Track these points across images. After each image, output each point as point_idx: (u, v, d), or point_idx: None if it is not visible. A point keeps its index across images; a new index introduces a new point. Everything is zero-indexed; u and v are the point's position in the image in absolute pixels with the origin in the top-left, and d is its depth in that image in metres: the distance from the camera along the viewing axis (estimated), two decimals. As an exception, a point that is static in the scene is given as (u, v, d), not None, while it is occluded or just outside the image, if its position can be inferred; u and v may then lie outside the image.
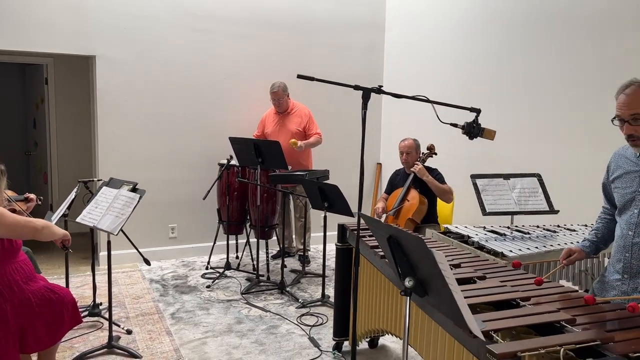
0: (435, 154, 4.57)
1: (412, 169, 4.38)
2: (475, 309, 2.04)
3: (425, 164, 4.48)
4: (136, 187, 3.30)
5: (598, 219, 2.47)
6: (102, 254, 5.15)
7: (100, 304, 3.94)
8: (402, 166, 4.59)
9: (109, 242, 3.35)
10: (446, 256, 2.63)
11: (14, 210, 3.06)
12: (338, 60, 6.02)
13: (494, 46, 4.74)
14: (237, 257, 5.30)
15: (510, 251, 2.81)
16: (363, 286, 3.08)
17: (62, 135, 6.39)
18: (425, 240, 2.79)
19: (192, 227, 5.47)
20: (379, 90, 2.37)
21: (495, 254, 2.82)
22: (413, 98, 2.39)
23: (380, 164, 6.34)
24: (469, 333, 1.53)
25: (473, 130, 2.38)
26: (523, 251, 2.83)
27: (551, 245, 2.94)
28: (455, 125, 2.42)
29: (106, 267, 5.03)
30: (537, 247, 2.89)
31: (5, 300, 2.67)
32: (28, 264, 2.90)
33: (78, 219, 3.36)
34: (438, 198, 4.44)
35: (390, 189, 4.67)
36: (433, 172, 4.43)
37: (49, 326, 2.84)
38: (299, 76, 2.41)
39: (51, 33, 4.78)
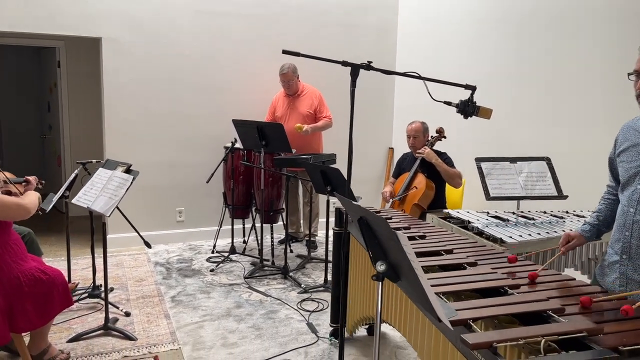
0: (445, 137, 4.41)
1: (419, 152, 4.25)
2: (459, 296, 1.93)
3: (434, 147, 4.34)
4: (130, 168, 3.26)
5: (601, 200, 2.30)
6: (110, 236, 5.15)
7: (100, 285, 3.93)
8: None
9: (104, 224, 3.32)
10: (439, 242, 2.52)
11: (9, 192, 3.04)
12: (350, 41, 5.87)
13: (509, 27, 4.54)
14: (244, 242, 5.26)
15: (510, 237, 2.68)
16: (357, 272, 2.99)
17: (75, 119, 6.42)
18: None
19: (200, 210, 5.44)
20: (367, 67, 2.27)
21: (494, 239, 2.70)
22: (404, 74, 2.27)
23: (393, 148, 6.20)
24: (438, 320, 1.43)
25: (467, 108, 2.25)
26: (524, 237, 2.69)
27: (555, 232, 2.79)
28: (449, 103, 2.29)
29: (113, 249, 5.08)
30: (539, 234, 2.75)
31: (-7, 279, 2.66)
32: (19, 244, 2.88)
33: (74, 200, 3.33)
34: (446, 183, 4.31)
35: (397, 173, 4.54)
36: (442, 156, 4.29)
37: (38, 307, 2.82)
38: (284, 51, 2.31)
39: (57, 14, 4.75)
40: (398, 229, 2.74)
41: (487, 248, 2.45)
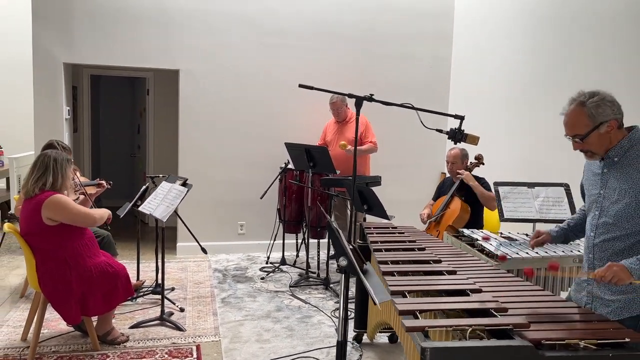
0: (483, 164, 4.62)
1: (459, 173, 4.49)
2: (427, 293, 2.24)
3: (472, 173, 4.56)
4: (186, 182, 3.81)
5: (576, 213, 2.53)
6: (179, 244, 5.80)
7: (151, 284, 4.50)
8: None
9: (163, 229, 3.87)
10: (435, 254, 2.80)
11: (84, 194, 3.70)
12: (404, 72, 6.23)
13: (561, 56, 4.66)
14: (297, 256, 5.69)
15: (506, 254, 2.90)
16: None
17: (159, 140, 7.24)
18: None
19: (259, 225, 5.95)
20: (369, 99, 2.64)
21: (492, 255, 2.94)
22: (401, 105, 2.62)
23: (445, 173, 6.42)
24: (373, 302, 1.76)
25: (456, 135, 2.56)
26: (520, 255, 2.91)
27: (554, 252, 2.98)
28: (440, 130, 2.61)
29: (181, 256, 5.71)
30: (537, 252, 2.95)
31: (71, 269, 3.27)
32: (93, 241, 3.49)
33: (140, 208, 3.94)
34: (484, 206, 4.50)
35: (437, 196, 4.81)
36: (480, 181, 4.50)
37: (105, 295, 3.40)
38: (301, 85, 2.74)
39: (145, 50, 5.55)
40: (403, 241, 3.06)
41: (475, 261, 2.72)
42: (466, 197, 4.48)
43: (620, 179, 2.12)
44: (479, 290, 2.18)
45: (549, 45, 4.77)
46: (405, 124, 6.20)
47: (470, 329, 1.78)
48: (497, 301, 2.02)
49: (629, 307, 2.10)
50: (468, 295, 2.14)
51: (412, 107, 2.60)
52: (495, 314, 1.91)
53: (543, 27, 4.85)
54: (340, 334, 2.00)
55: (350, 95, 2.66)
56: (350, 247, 2.07)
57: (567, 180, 3.89)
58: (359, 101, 2.64)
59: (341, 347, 2.00)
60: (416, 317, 1.92)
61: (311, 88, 2.73)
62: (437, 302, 2.03)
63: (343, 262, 1.94)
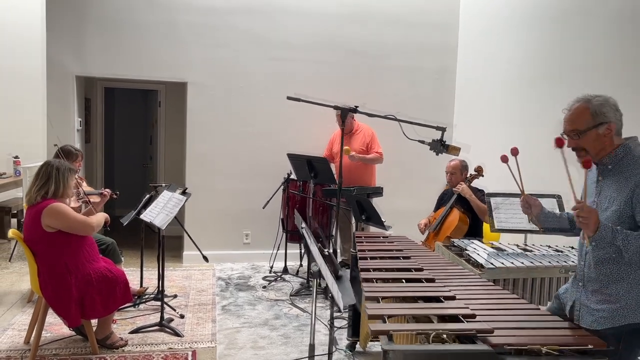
0: (483, 175, 4.65)
1: (456, 189, 4.55)
2: (404, 299, 2.29)
3: (472, 184, 4.60)
4: (185, 190, 3.92)
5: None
6: (186, 252, 5.91)
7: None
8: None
9: (163, 237, 3.98)
10: (418, 262, 2.85)
11: (87, 202, 3.83)
12: (410, 83, 6.30)
13: (566, 67, 4.68)
14: (300, 265, 5.76)
15: (491, 264, 2.94)
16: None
17: (170, 151, 7.39)
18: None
19: (265, 234, 6.02)
20: (354, 110, 2.72)
21: (477, 265, 2.97)
22: (385, 117, 2.69)
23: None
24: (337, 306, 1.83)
25: (437, 146, 2.62)
26: (506, 265, 2.94)
27: (539, 263, 3.00)
28: (422, 141, 2.67)
29: (186, 264, 5.82)
30: (522, 263, 2.98)
31: (70, 274, 3.39)
32: (93, 247, 3.61)
33: (141, 216, 4.05)
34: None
35: (437, 207, 4.85)
36: (479, 193, 4.54)
37: (103, 299, 3.50)
38: (289, 97, 2.83)
39: (155, 63, 5.72)
40: (390, 250, 3.12)
41: (456, 269, 2.76)
42: (465, 209, 4.51)
43: (611, 186, 2.17)
44: (452, 298, 2.23)
45: (554, 56, 4.79)
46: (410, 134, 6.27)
47: (434, 334, 1.83)
48: (467, 308, 2.07)
49: (613, 317, 2.12)
50: (441, 301, 2.19)
51: (395, 119, 2.67)
52: (463, 319, 1.95)
53: (549, 39, 4.87)
54: (311, 337, 2.06)
55: (336, 107, 2.75)
56: (326, 253, 2.14)
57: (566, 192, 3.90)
58: (344, 113, 2.72)
59: (312, 350, 2.06)
60: (384, 322, 1.97)
61: (298, 100, 2.82)
62: (407, 307, 2.09)
63: (315, 267, 2.01)
